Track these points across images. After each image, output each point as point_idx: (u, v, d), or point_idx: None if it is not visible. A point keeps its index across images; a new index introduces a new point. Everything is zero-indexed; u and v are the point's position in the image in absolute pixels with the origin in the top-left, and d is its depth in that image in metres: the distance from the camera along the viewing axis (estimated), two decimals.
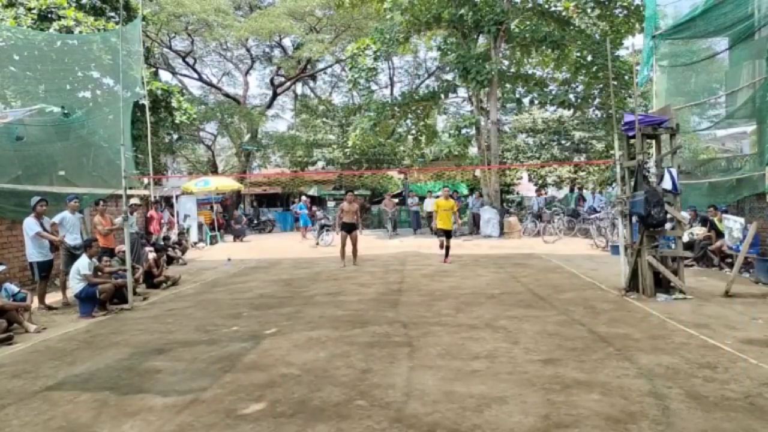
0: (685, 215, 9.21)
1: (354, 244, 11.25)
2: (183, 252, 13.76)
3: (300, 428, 3.34)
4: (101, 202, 9.12)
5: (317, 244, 16.38)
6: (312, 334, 5.66)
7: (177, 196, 18.00)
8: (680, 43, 11.33)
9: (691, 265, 9.48)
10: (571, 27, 17.50)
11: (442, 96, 20.41)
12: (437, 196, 20.71)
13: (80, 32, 12.29)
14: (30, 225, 7.49)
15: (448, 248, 11.26)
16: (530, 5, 18.25)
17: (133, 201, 9.73)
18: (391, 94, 29.36)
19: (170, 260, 12.22)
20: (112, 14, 14.26)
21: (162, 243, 12.23)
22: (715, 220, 9.83)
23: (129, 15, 13.85)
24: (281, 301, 7.66)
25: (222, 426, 3.42)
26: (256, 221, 23.55)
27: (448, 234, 11.24)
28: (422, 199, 21.76)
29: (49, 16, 12.42)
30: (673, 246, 7.45)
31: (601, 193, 19.04)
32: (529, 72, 20.52)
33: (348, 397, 3.80)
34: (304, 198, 21.04)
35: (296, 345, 5.25)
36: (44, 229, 7.60)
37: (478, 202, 18.68)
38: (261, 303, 7.53)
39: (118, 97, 9.66)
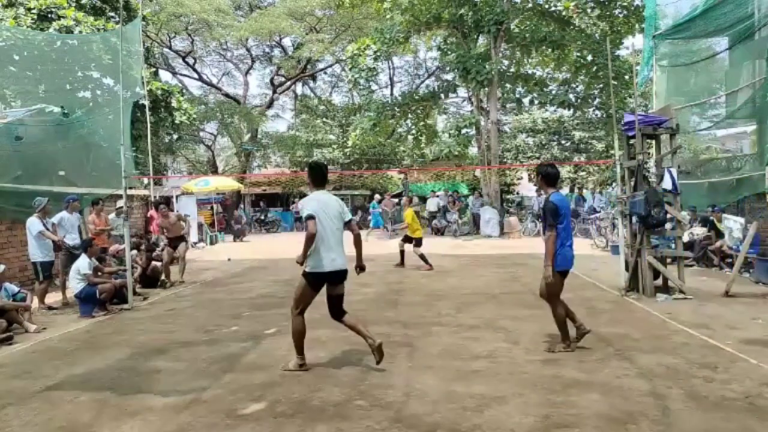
0: (685, 215, 9.21)
1: (181, 259, 9.84)
2: None
3: (300, 428, 3.34)
4: (100, 202, 9.10)
5: None
6: (312, 333, 5.64)
7: (177, 196, 18.00)
8: (680, 43, 11.32)
9: (691, 265, 9.48)
10: (571, 27, 17.49)
11: (442, 96, 20.41)
12: (437, 196, 20.86)
13: (80, 32, 12.29)
14: (33, 224, 7.49)
15: (422, 256, 10.52)
16: (530, 5, 18.25)
17: (120, 203, 9.52)
18: (391, 94, 29.34)
19: (171, 260, 12.19)
20: (112, 14, 14.26)
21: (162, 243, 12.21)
22: (715, 220, 9.83)
23: (129, 15, 13.83)
24: (281, 301, 7.65)
25: (222, 426, 3.42)
26: (263, 219, 23.64)
27: (410, 240, 10.64)
28: (423, 199, 21.76)
29: (49, 16, 12.42)
30: (673, 246, 7.45)
31: (601, 193, 19.04)
32: (529, 72, 20.51)
33: (348, 397, 3.80)
34: (377, 196, 20.52)
35: None
36: (47, 229, 7.60)
37: (478, 202, 18.68)
38: (261, 303, 7.54)
39: (118, 97, 9.63)
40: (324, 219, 4.18)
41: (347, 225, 4.42)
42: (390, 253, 13.70)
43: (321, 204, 4.23)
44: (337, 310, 4.41)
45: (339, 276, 4.31)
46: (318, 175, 4.38)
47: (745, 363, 4.28)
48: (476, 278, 9.16)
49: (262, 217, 23.84)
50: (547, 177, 4.73)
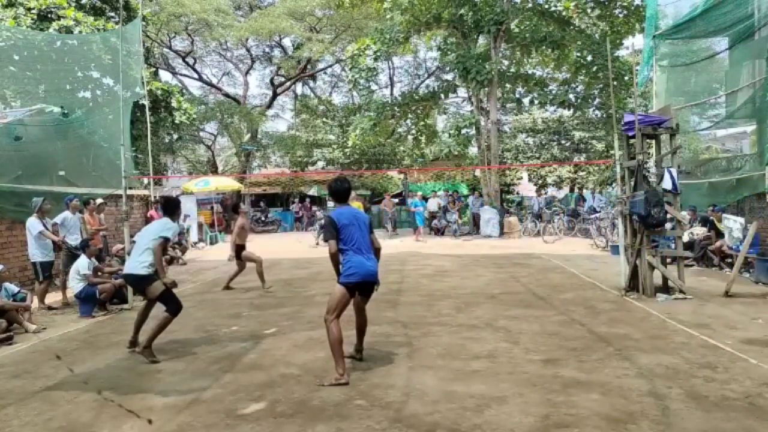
0: (685, 215, 9.21)
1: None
2: (183, 252, 13.76)
3: (300, 428, 3.34)
4: (91, 202, 9.08)
5: (317, 244, 16.37)
6: (312, 334, 5.66)
7: (177, 196, 17.98)
8: (680, 43, 11.33)
9: (691, 265, 9.48)
10: (571, 27, 17.48)
11: (442, 96, 20.39)
12: (438, 197, 20.88)
13: (80, 32, 12.28)
14: (33, 224, 7.48)
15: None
16: (530, 5, 18.23)
17: (99, 201, 9.47)
18: (391, 94, 29.33)
19: (170, 260, 12.21)
20: (112, 14, 14.26)
21: None
22: (715, 220, 9.83)
23: (129, 15, 13.83)
24: (281, 301, 7.66)
25: (222, 426, 3.42)
26: (264, 219, 23.65)
27: None
28: (425, 199, 21.74)
29: (49, 16, 12.42)
30: (673, 246, 7.45)
31: (601, 193, 19.04)
32: (529, 72, 20.51)
33: (348, 397, 3.80)
34: (420, 193, 20.33)
35: (296, 345, 5.26)
36: (47, 229, 7.59)
37: (478, 202, 18.68)
38: (261, 303, 7.54)
39: (118, 97, 9.64)
40: (138, 239, 5.41)
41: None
42: (391, 253, 13.70)
43: (143, 231, 5.57)
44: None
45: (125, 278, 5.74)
46: (166, 208, 5.66)
47: (745, 363, 4.28)
48: (476, 278, 9.16)
49: (263, 217, 23.87)
50: (331, 194, 4.79)
